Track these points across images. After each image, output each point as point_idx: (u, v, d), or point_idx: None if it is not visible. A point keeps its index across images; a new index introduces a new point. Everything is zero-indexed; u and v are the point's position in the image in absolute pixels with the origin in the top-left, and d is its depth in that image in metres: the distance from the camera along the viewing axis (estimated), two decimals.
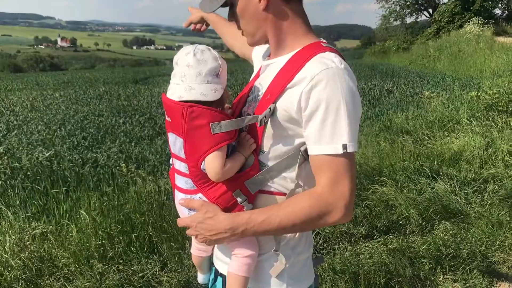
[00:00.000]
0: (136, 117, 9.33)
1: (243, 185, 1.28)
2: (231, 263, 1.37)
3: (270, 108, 1.24)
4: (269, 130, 1.27)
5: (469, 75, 14.89)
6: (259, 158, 1.30)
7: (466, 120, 7.07)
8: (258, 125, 1.26)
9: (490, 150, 5.79)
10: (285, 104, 1.22)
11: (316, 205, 1.20)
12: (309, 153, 1.23)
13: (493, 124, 6.91)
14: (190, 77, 1.28)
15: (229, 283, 1.36)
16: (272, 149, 1.28)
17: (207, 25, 1.95)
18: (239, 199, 1.28)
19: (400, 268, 3.33)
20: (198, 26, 1.95)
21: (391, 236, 3.80)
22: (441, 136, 6.62)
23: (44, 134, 7.63)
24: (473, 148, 5.79)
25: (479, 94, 8.32)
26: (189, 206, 1.34)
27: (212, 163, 1.26)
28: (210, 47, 1.34)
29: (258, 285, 1.38)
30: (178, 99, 1.28)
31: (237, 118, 1.28)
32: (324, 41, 1.31)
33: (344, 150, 1.16)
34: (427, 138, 6.60)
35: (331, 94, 1.16)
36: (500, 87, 8.73)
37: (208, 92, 1.27)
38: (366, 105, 9.77)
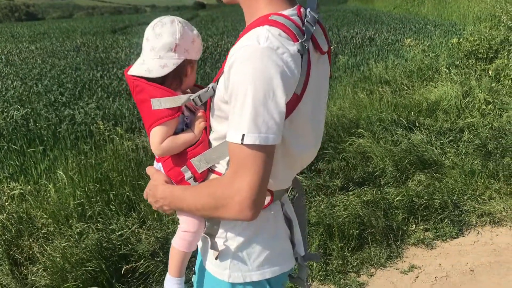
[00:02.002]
0: (114, 71, 9.16)
1: (190, 162, 1.26)
2: (175, 235, 1.39)
3: (208, 87, 1.21)
4: (212, 110, 1.22)
5: (452, 20, 14.77)
6: (209, 137, 1.27)
7: (445, 69, 7.07)
8: (193, 105, 1.26)
9: (468, 99, 5.84)
10: (220, 84, 1.15)
11: (214, 195, 1.12)
12: None
13: (472, 72, 6.93)
14: (145, 51, 1.30)
15: (170, 254, 1.40)
16: (216, 130, 1.23)
17: None
18: (186, 175, 1.26)
19: (373, 219, 3.42)
20: None
21: (365, 188, 3.88)
22: (419, 86, 6.64)
23: (20, 91, 7.48)
24: (450, 97, 5.82)
25: (460, 41, 8.29)
26: (147, 172, 1.39)
27: (152, 138, 1.28)
28: (178, 20, 1.31)
29: (204, 259, 1.37)
30: (129, 73, 1.30)
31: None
32: (283, 13, 1.13)
33: (242, 141, 1.04)
34: (406, 88, 6.62)
35: (240, 77, 1.04)
36: (481, 34, 8.70)
37: (155, 68, 1.27)
38: (347, 54, 9.69)
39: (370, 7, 28.21)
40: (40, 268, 3.00)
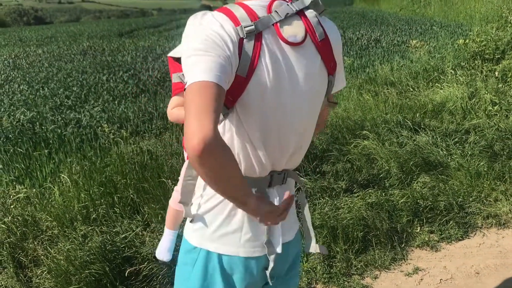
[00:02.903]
0: (120, 74, 9.20)
1: None
2: None
3: None
4: None
5: (458, 21, 14.69)
6: None
7: (451, 70, 7.03)
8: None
9: (474, 100, 5.80)
10: None
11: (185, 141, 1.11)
12: None
13: (478, 73, 6.89)
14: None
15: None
16: None
17: None
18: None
19: (378, 221, 3.41)
20: None
21: (370, 190, 3.86)
22: (425, 87, 6.61)
23: (27, 94, 7.53)
24: (456, 98, 5.79)
25: (466, 41, 8.23)
26: None
27: (168, 106, 1.68)
28: (211, 13, 1.45)
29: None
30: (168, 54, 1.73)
31: None
32: (244, 2, 1.25)
33: (187, 85, 1.11)
34: (411, 89, 6.59)
35: (183, 41, 1.20)
36: (488, 34, 8.64)
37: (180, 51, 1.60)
38: (353, 55, 9.66)
39: (376, 9, 28.16)
40: (45, 271, 3.01)
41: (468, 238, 3.49)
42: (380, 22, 17.42)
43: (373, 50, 10.31)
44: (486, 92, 5.87)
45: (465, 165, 4.20)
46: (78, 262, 2.95)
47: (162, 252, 2.01)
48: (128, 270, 2.99)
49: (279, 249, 1.38)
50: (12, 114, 6.00)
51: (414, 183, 4.02)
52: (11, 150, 4.73)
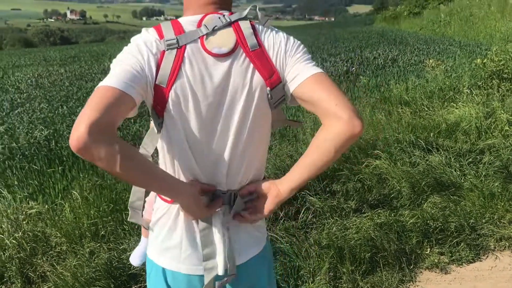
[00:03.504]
0: None
1: None
2: None
3: None
4: None
5: (478, 41, 14.57)
6: None
7: (466, 90, 6.95)
8: None
9: (490, 119, 5.71)
10: None
11: None
12: None
13: (495, 92, 6.80)
14: None
15: None
16: None
17: None
18: None
19: (386, 242, 3.36)
20: None
21: (379, 210, 3.81)
22: (440, 107, 6.54)
23: (46, 112, 7.69)
24: (471, 117, 5.71)
25: (484, 61, 8.14)
26: None
27: None
28: None
29: None
30: None
31: None
32: (178, 19, 1.32)
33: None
34: (426, 109, 6.52)
35: None
36: (507, 53, 8.52)
37: None
38: (368, 75, 9.64)
39: (396, 28, 28.16)
40: (51, 287, 3.04)
41: (480, 261, 3.41)
42: (399, 42, 17.37)
43: (389, 69, 10.25)
44: (503, 111, 5.77)
45: (479, 186, 4.12)
46: (84, 278, 2.97)
47: (134, 257, 2.16)
48: (133, 287, 3.00)
49: (220, 271, 1.34)
50: (30, 131, 6.13)
51: (424, 203, 3.96)
52: (26, 167, 4.83)
